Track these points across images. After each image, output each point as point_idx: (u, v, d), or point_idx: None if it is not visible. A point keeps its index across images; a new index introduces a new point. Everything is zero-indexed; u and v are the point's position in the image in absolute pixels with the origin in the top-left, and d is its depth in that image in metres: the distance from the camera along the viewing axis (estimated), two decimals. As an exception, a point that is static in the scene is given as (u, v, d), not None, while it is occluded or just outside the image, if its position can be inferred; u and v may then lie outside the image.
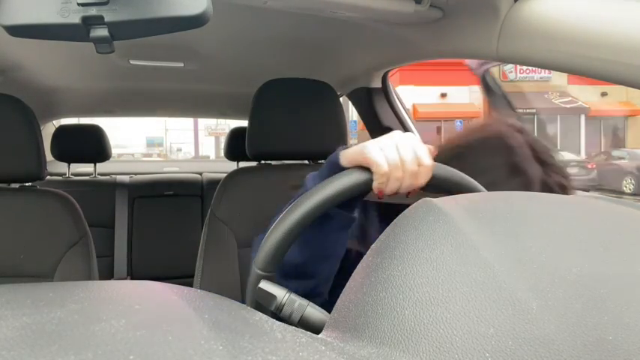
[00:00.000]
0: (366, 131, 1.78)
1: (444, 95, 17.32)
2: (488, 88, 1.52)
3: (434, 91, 17.29)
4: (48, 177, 2.10)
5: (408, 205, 0.33)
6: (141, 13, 0.37)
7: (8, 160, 1.05)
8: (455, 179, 0.55)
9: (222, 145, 2.80)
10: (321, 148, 1.22)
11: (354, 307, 0.26)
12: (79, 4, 0.37)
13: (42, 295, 0.24)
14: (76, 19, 0.37)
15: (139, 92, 2.02)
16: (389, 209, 0.52)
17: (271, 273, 0.51)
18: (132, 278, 2.23)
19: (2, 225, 1.08)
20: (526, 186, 0.60)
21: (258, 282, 0.50)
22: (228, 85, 1.89)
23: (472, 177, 0.54)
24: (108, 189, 2.25)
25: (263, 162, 1.29)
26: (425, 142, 0.53)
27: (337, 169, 0.54)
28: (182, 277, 2.18)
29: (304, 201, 0.52)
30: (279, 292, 0.48)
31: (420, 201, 0.33)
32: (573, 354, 0.19)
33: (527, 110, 17.17)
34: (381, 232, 0.31)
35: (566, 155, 13.38)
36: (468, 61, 1.43)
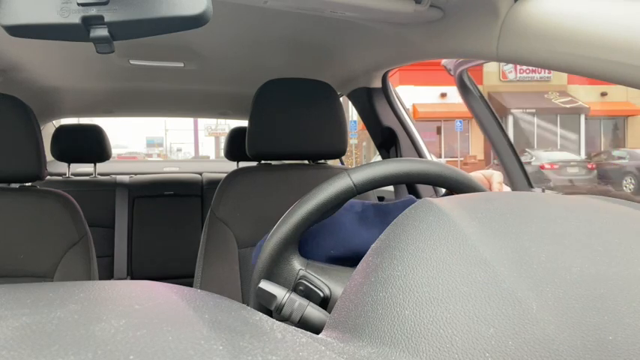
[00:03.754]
0: (366, 131, 1.79)
1: (443, 95, 17.32)
2: (465, 89, 1.51)
3: (434, 91, 17.30)
4: (48, 177, 2.10)
5: None
6: (141, 13, 0.37)
7: (8, 160, 1.05)
8: (456, 178, 0.55)
9: (222, 145, 2.80)
10: (321, 148, 1.22)
11: (354, 307, 0.26)
12: (79, 4, 0.37)
13: (42, 295, 0.24)
14: (76, 19, 0.37)
15: (139, 92, 2.02)
16: None
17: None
18: (132, 278, 2.23)
19: (2, 225, 1.08)
20: None
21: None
22: (228, 85, 1.89)
23: None
24: (108, 189, 2.26)
25: (263, 162, 1.29)
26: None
27: None
28: (182, 277, 2.18)
29: (302, 205, 0.52)
30: (279, 292, 0.48)
31: (420, 201, 0.33)
32: (573, 354, 0.19)
33: (527, 110, 17.17)
34: None
35: (566, 155, 13.38)
36: (443, 62, 1.43)
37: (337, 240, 0.56)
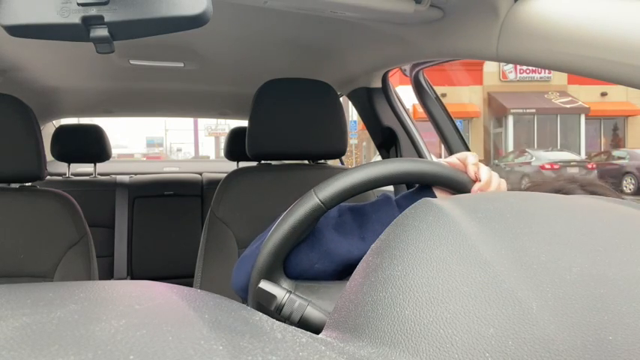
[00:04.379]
0: (366, 131, 1.79)
1: (443, 95, 17.32)
2: (421, 89, 1.51)
3: (434, 91, 17.29)
4: (48, 177, 2.10)
5: None
6: (141, 13, 0.37)
7: (8, 160, 1.05)
8: (426, 171, 0.55)
9: (222, 145, 2.79)
10: (321, 148, 1.22)
11: (353, 307, 0.26)
12: (79, 4, 0.37)
13: (42, 295, 0.24)
14: (76, 19, 0.37)
15: (139, 92, 2.02)
16: None
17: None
18: (132, 278, 2.23)
19: (2, 225, 1.08)
20: None
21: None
22: (228, 85, 1.89)
23: None
24: (108, 189, 2.26)
25: (263, 162, 1.29)
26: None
27: None
28: (182, 277, 2.18)
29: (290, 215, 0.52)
30: (279, 292, 0.48)
31: (420, 201, 0.33)
32: (573, 354, 0.19)
33: (527, 110, 17.17)
34: None
35: (566, 155, 13.36)
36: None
37: (320, 253, 0.56)
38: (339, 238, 0.57)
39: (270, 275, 0.52)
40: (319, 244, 0.56)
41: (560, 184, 0.67)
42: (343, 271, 0.57)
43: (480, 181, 0.57)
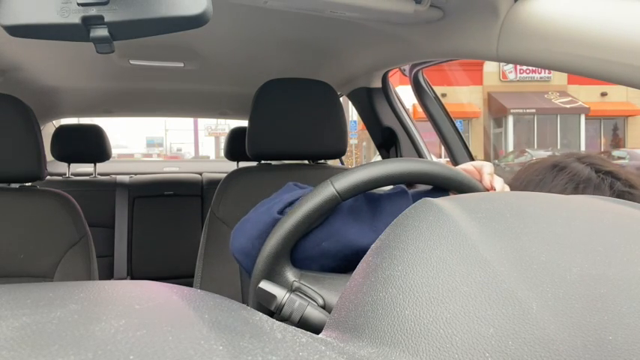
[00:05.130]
0: (366, 131, 1.79)
1: (444, 95, 17.31)
2: (420, 89, 1.52)
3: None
4: (48, 177, 2.10)
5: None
6: (141, 13, 0.37)
7: (8, 160, 1.05)
8: (443, 174, 0.55)
9: (222, 145, 2.80)
10: (321, 148, 1.22)
11: (354, 307, 0.26)
12: (79, 4, 0.37)
13: (42, 295, 0.24)
14: (76, 19, 0.37)
15: (139, 92, 2.02)
16: None
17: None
18: (132, 278, 2.23)
19: (2, 225, 1.08)
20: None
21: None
22: (228, 85, 1.89)
23: None
24: (108, 189, 2.26)
25: (263, 162, 1.29)
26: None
27: None
28: (182, 277, 2.18)
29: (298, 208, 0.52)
30: (279, 292, 0.48)
31: (420, 201, 0.33)
32: (573, 354, 0.19)
33: (527, 110, 17.17)
34: None
35: (566, 155, 13.35)
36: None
37: (329, 231, 0.56)
38: (349, 220, 0.57)
39: (276, 261, 0.52)
40: (328, 223, 0.56)
41: (557, 159, 0.67)
42: (348, 259, 0.57)
43: (494, 190, 0.57)
